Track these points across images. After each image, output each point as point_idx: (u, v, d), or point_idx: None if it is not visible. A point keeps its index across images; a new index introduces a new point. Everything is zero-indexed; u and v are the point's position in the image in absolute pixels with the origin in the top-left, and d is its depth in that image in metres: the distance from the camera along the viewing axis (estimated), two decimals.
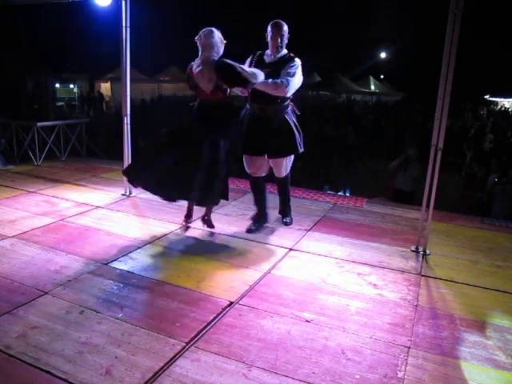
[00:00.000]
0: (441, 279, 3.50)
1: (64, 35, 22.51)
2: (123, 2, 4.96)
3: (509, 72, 21.92)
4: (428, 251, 3.99)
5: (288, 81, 3.81)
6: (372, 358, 2.45)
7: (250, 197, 4.73)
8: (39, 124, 7.08)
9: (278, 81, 3.79)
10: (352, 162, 9.21)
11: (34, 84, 7.43)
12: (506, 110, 23.39)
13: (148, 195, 5.36)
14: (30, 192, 5.36)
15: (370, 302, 3.08)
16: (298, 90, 4.01)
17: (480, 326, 2.84)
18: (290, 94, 3.93)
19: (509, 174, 6.90)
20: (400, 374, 2.33)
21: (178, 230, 4.26)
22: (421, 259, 3.88)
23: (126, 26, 5.01)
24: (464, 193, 7.53)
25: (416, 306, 3.06)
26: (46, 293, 2.97)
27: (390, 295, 3.19)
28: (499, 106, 26.08)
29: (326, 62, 27.64)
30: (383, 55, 31.44)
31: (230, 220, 4.57)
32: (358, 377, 2.30)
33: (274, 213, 4.65)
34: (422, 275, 3.56)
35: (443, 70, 3.63)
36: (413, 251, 4.02)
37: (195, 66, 3.73)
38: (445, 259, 3.90)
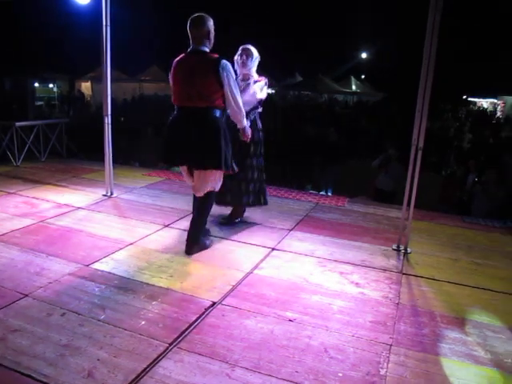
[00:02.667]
0: (422, 277, 3.55)
1: (43, 34, 22.17)
2: (103, 1, 4.91)
3: (486, 72, 22.33)
4: (409, 250, 4.04)
5: None
6: (354, 356, 2.47)
7: None
8: (18, 124, 6.97)
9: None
10: (334, 162, 9.26)
11: (12, 83, 7.31)
12: (484, 110, 23.79)
13: (129, 196, 5.35)
14: (9, 193, 5.27)
15: (353, 300, 3.11)
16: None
17: (460, 323, 2.89)
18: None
19: (487, 174, 7.02)
20: (382, 372, 2.36)
21: (160, 231, 4.24)
22: (402, 258, 3.93)
23: (106, 25, 4.95)
24: (444, 192, 7.63)
25: (397, 304, 3.09)
26: (27, 295, 2.93)
27: (372, 294, 3.22)
28: (477, 107, 26.51)
29: (307, 62, 27.82)
30: (364, 55, 31.71)
31: (211, 221, 4.56)
32: (340, 375, 2.32)
33: (255, 212, 4.66)
34: (404, 273, 3.60)
35: (423, 69, 3.69)
36: (394, 250, 4.06)
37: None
38: (426, 257, 3.95)
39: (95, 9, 5.04)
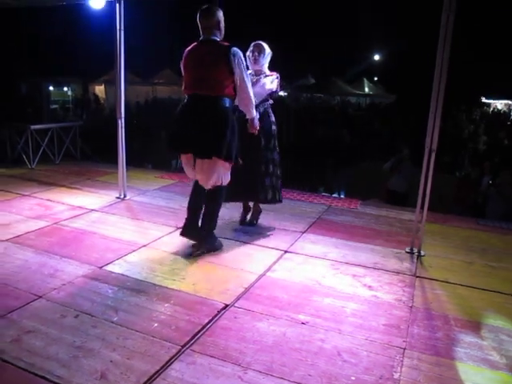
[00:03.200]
0: (435, 280, 3.51)
1: (58, 38, 22.43)
2: (117, 5, 4.96)
3: (501, 73, 22.05)
4: (422, 252, 4.00)
5: None
6: (368, 360, 2.46)
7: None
8: (33, 127, 7.05)
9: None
10: (346, 164, 9.23)
11: (27, 87, 7.40)
12: (499, 112, 23.52)
13: (142, 198, 5.39)
14: (23, 195, 5.33)
15: (365, 303, 3.09)
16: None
17: (475, 327, 2.85)
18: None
19: (502, 176, 6.94)
20: (396, 375, 2.34)
21: (173, 233, 4.26)
22: (415, 260, 3.89)
23: (119, 29, 5.00)
24: (458, 193, 7.56)
25: (411, 307, 3.07)
26: (41, 297, 2.96)
27: (385, 296, 3.20)
28: (492, 108, 26.22)
29: (320, 63, 27.74)
30: (377, 57, 31.55)
31: (223, 223, 4.56)
32: (353, 378, 2.30)
33: (267, 214, 4.66)
34: (417, 276, 3.57)
35: (436, 71, 3.66)
36: (407, 252, 4.03)
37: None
38: (439, 260, 3.91)
39: (109, 13, 5.10)
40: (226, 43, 3.54)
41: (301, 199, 5.72)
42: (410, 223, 4.60)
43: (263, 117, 4.12)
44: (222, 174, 3.63)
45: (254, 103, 3.73)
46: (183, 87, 3.66)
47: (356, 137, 11.11)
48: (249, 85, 3.60)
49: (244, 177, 4.04)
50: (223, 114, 3.49)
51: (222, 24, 3.59)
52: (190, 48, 3.63)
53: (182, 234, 3.81)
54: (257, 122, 3.86)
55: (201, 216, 3.80)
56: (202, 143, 3.50)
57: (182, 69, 3.68)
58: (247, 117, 3.79)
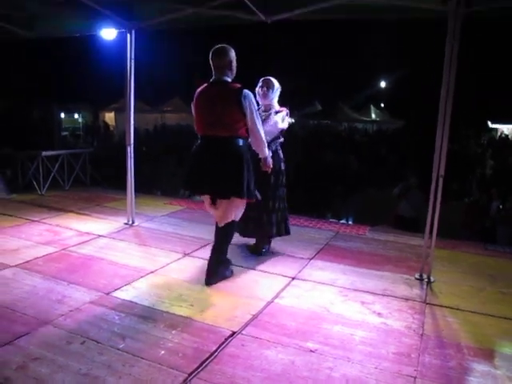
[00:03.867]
0: (446, 307, 3.46)
1: (70, 67, 22.93)
2: (128, 35, 5.09)
3: (507, 98, 22.12)
4: (432, 278, 3.96)
5: None
6: None
7: None
8: (44, 153, 7.15)
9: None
10: (354, 190, 9.23)
11: (39, 114, 7.54)
12: (506, 137, 23.49)
13: (150, 224, 5.40)
14: (33, 221, 5.37)
15: (375, 330, 3.05)
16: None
17: (488, 355, 2.79)
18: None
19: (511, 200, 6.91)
20: None
21: (181, 260, 4.25)
22: (425, 287, 3.85)
23: (130, 58, 5.12)
24: (466, 219, 7.52)
25: (421, 334, 3.02)
26: (48, 323, 2.95)
27: (395, 324, 3.15)
28: (499, 133, 26.20)
29: (326, 90, 28.02)
30: (383, 84, 31.85)
31: (232, 249, 4.55)
32: None
33: (275, 241, 4.65)
34: (427, 303, 3.52)
35: (442, 97, 3.69)
36: (417, 279, 3.98)
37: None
38: (449, 286, 3.86)
39: (121, 42, 5.22)
40: (237, 85, 3.57)
41: (308, 225, 5.71)
42: (418, 249, 4.57)
43: (274, 155, 4.16)
44: (238, 210, 3.73)
45: (266, 144, 3.76)
46: (196, 128, 3.71)
47: (363, 163, 11.13)
48: (260, 128, 3.63)
49: (253, 213, 4.16)
50: (238, 154, 3.52)
51: (234, 64, 3.64)
52: (200, 89, 3.67)
53: (207, 282, 3.71)
54: (270, 161, 3.88)
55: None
56: (219, 184, 3.54)
57: (193, 110, 3.72)
58: (260, 156, 3.82)
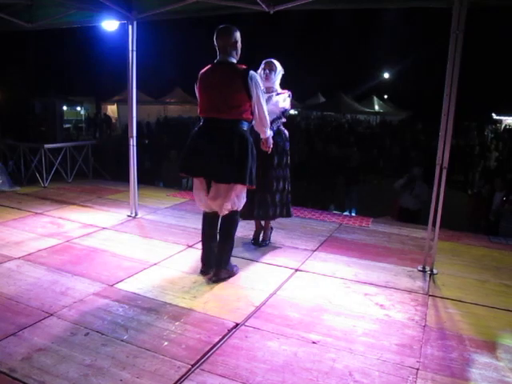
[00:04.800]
0: (449, 299, 3.46)
1: (72, 58, 22.90)
2: (130, 27, 5.07)
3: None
4: (435, 271, 3.96)
5: None
6: (380, 380, 2.41)
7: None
8: (46, 146, 7.15)
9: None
10: (357, 182, 9.21)
11: (42, 106, 7.53)
12: (510, 128, 23.37)
13: (153, 216, 5.41)
14: (36, 213, 5.39)
15: (377, 322, 3.05)
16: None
17: (490, 347, 2.79)
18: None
19: None
20: None
21: (184, 252, 4.26)
22: (428, 279, 3.85)
23: (132, 50, 5.09)
24: (474, 211, 7.50)
25: (424, 326, 3.02)
26: (52, 314, 2.96)
27: (398, 316, 3.15)
28: (503, 124, 26.08)
29: (329, 82, 27.93)
30: (386, 75, 31.72)
31: (235, 241, 4.56)
32: None
33: (278, 232, 4.65)
34: (430, 295, 3.52)
35: (446, 89, 3.66)
36: (420, 271, 3.98)
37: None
38: (452, 279, 3.86)
39: (122, 34, 5.19)
40: (243, 66, 3.48)
41: (312, 217, 5.70)
42: (422, 241, 4.56)
43: (277, 135, 4.14)
44: (237, 199, 3.56)
45: (268, 125, 3.69)
46: (199, 110, 3.61)
47: (367, 154, 11.11)
48: (265, 109, 3.56)
49: (257, 195, 4.11)
50: (243, 140, 3.43)
51: (239, 44, 3.55)
52: (204, 70, 3.57)
53: (203, 271, 3.72)
54: (271, 141, 3.84)
55: (215, 243, 3.70)
56: (220, 168, 3.43)
57: (196, 91, 3.61)
58: (261, 136, 3.77)
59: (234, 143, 3.41)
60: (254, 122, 3.62)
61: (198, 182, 3.63)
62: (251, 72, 3.43)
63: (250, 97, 3.42)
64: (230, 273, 3.71)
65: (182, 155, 3.69)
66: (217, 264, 3.63)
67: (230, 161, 3.41)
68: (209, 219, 3.71)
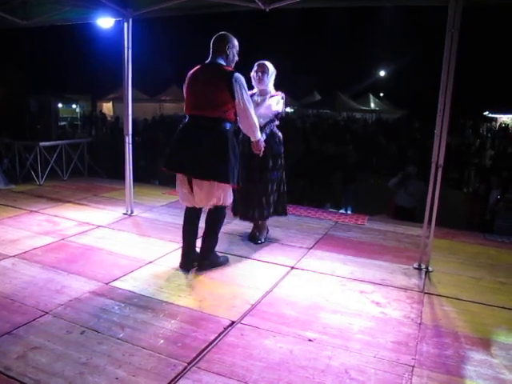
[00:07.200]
0: (444, 296, 3.47)
1: (67, 56, 22.80)
2: (125, 24, 5.05)
3: (507, 87, 22.06)
4: (431, 268, 3.97)
5: None
6: (376, 378, 2.42)
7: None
8: (42, 144, 7.13)
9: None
10: (353, 180, 9.21)
11: (37, 104, 7.49)
12: (507, 126, 23.46)
13: (149, 214, 5.40)
14: (31, 211, 5.36)
15: (373, 320, 3.06)
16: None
17: (485, 344, 2.81)
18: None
19: (511, 190, 6.89)
20: None
21: (180, 250, 4.25)
22: (423, 276, 3.86)
23: (127, 47, 5.07)
24: (469, 209, 7.53)
25: (420, 323, 3.03)
26: (47, 313, 2.95)
27: (393, 313, 3.16)
28: (498, 122, 26.18)
29: (325, 80, 27.94)
30: (382, 73, 31.75)
31: (230, 239, 4.56)
32: None
33: (274, 230, 4.65)
34: (425, 293, 3.53)
35: (441, 87, 3.67)
36: (415, 268, 3.99)
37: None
38: (448, 276, 3.87)
39: (118, 32, 5.18)
40: (229, 68, 3.58)
41: (308, 215, 5.70)
42: (417, 239, 4.57)
43: (270, 138, 4.14)
44: (222, 195, 3.60)
45: (257, 126, 3.72)
46: (184, 108, 3.69)
47: (362, 152, 11.11)
48: (251, 110, 3.58)
49: (252, 197, 4.20)
50: (224, 137, 3.48)
51: (235, 51, 3.65)
52: (193, 70, 3.66)
53: (182, 266, 3.79)
54: (261, 144, 3.85)
55: (195, 239, 3.84)
56: (201, 165, 3.47)
57: (184, 89, 3.70)
58: (251, 139, 3.81)
59: (215, 141, 3.48)
60: (241, 126, 3.68)
61: (181, 177, 3.69)
62: (236, 74, 3.49)
63: (233, 98, 3.48)
64: (215, 263, 3.80)
65: (167, 151, 3.80)
66: (201, 255, 3.76)
67: (211, 159, 3.46)
68: (190, 216, 3.81)
